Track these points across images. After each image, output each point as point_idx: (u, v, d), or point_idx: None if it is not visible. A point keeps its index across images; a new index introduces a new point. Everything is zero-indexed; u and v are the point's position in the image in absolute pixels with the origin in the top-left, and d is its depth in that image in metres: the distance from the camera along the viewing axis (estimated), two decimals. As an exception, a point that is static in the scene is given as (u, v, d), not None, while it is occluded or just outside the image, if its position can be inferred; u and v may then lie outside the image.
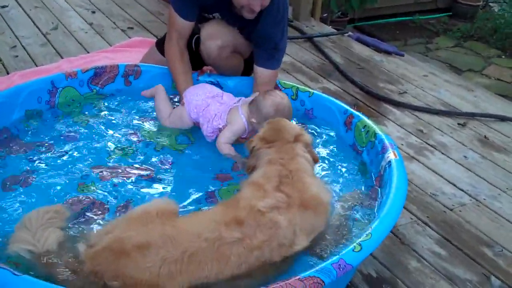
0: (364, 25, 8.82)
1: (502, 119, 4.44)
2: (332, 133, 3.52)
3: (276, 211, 2.43)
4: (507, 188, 3.58)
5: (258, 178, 2.64)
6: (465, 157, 3.88)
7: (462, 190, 3.53)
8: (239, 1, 3.37)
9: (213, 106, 3.40)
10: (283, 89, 3.76)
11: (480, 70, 7.80)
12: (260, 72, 3.63)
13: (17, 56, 4.79)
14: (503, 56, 8.18)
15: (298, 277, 2.14)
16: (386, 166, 2.93)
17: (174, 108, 3.58)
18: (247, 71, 3.87)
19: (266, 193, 2.52)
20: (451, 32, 9.03)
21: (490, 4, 10.21)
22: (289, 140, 2.85)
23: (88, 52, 4.95)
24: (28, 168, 3.04)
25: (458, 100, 4.74)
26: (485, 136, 4.17)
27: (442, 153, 3.91)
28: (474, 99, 4.84)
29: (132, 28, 5.57)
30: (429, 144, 4.00)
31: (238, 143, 3.38)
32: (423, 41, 8.79)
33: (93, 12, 5.88)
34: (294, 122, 3.40)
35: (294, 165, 2.69)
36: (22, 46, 5.00)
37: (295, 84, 3.81)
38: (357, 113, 3.46)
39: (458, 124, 4.31)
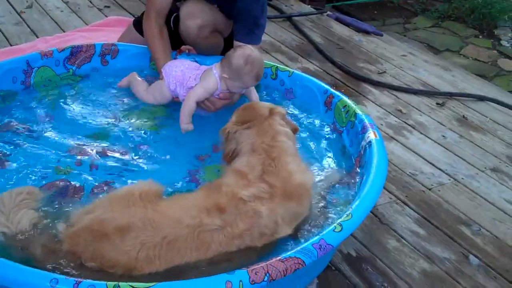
0: (342, 5, 8.77)
1: (480, 98, 4.47)
2: (312, 113, 3.50)
3: (259, 201, 2.41)
4: (485, 168, 3.61)
5: (242, 166, 2.60)
6: (443, 136, 3.90)
7: (441, 170, 3.55)
8: None
9: (190, 74, 3.38)
10: (262, 68, 3.73)
11: (457, 50, 7.80)
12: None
13: (-10, 35, 4.71)
14: (480, 36, 8.20)
15: (279, 257, 2.13)
16: (366, 146, 2.92)
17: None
18: (227, 50, 3.82)
19: (249, 182, 2.49)
20: (429, 12, 9.02)
21: (468, -16, 10.23)
22: (264, 115, 2.81)
23: (64, 31, 4.87)
24: (4, 150, 2.98)
25: (436, 80, 4.76)
26: (463, 116, 4.19)
27: (421, 133, 3.93)
28: (452, 78, 4.86)
29: (108, 6, 5.49)
30: (408, 124, 4.01)
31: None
32: (401, 21, 8.77)
33: (69, -10, 5.77)
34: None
35: (276, 149, 2.64)
36: (-4, 25, 4.90)
37: (274, 64, 3.78)
38: (337, 93, 3.44)
39: (437, 104, 4.33)
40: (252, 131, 2.77)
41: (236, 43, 3.61)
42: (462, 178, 3.49)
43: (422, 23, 8.70)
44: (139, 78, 3.58)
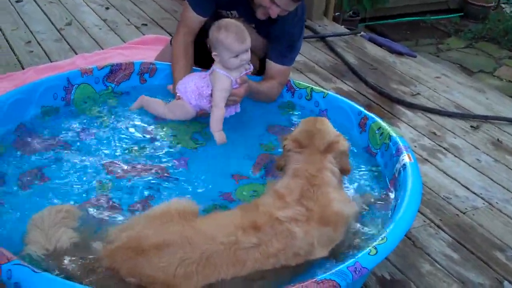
0: (375, 24, 8.81)
1: (516, 122, 4.44)
2: (346, 135, 3.51)
3: (294, 222, 2.44)
4: (520, 192, 3.59)
5: (281, 188, 2.64)
6: (478, 160, 3.89)
7: (475, 194, 3.54)
8: (261, 0, 3.39)
9: (202, 83, 3.44)
10: (297, 89, 3.78)
11: (491, 72, 7.79)
12: (271, 66, 3.68)
13: (32, 52, 4.82)
14: (514, 58, 8.18)
15: (314, 279, 2.16)
16: (401, 169, 2.94)
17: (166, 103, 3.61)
18: (262, 71, 3.88)
19: (286, 204, 2.53)
20: (462, 32, 9.01)
21: (502, 5, 10.18)
22: (319, 148, 2.80)
23: (102, 49, 4.98)
24: (43, 165, 3.05)
25: (471, 102, 4.74)
26: (498, 139, 4.17)
27: (455, 156, 3.92)
28: (487, 101, 4.84)
29: (146, 25, 5.59)
30: (442, 147, 4.01)
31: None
32: (434, 41, 8.77)
33: (107, 8, 5.90)
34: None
35: (318, 179, 2.66)
36: (37, 41, 5.03)
37: (309, 85, 3.82)
38: (371, 114, 3.46)
39: (471, 126, 4.32)
40: (301, 157, 2.80)
41: (268, 62, 3.66)
42: (497, 202, 3.47)
43: (455, 44, 8.70)
44: (151, 98, 3.62)
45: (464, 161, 3.86)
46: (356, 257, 2.30)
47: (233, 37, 3.22)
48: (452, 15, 9.50)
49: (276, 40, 3.65)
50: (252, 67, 3.43)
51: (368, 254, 2.33)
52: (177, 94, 3.50)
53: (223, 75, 3.31)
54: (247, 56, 3.31)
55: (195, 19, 3.62)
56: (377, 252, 2.34)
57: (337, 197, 2.63)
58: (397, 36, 8.56)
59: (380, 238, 2.42)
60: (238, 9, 3.67)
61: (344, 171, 2.85)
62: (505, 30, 8.80)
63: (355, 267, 2.24)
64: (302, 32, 3.75)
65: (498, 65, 7.98)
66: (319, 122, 2.98)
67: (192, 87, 3.44)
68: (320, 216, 2.49)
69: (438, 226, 3.22)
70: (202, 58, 3.75)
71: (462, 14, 9.51)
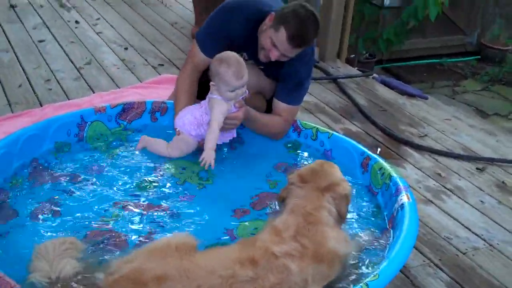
0: (392, 66, 8.92)
1: (522, 165, 4.48)
2: (349, 174, 3.59)
3: (289, 258, 2.52)
4: (522, 234, 3.62)
5: (279, 224, 2.72)
6: (481, 201, 3.93)
7: (477, 235, 3.57)
8: (263, 42, 3.53)
9: (199, 113, 3.56)
10: (303, 129, 3.88)
11: (506, 115, 7.83)
12: (279, 106, 3.78)
13: (51, 89, 4.99)
14: (531, 101, 8.21)
15: (305, 314, 2.23)
16: (399, 208, 3.01)
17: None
18: (269, 111, 3.99)
19: (282, 239, 2.61)
20: (479, 75, 9.08)
21: (520, 48, 10.25)
22: (320, 186, 2.88)
23: (119, 87, 5.13)
24: (54, 198, 3.18)
25: (478, 145, 4.79)
26: (503, 181, 4.21)
27: (459, 197, 3.96)
28: (496, 144, 4.88)
29: (162, 65, 5.75)
30: (446, 188, 4.05)
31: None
32: (450, 83, 8.85)
33: (126, 49, 6.09)
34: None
35: (314, 217, 2.73)
36: (56, 79, 5.20)
37: (315, 125, 3.92)
38: (373, 155, 3.54)
39: (477, 168, 4.36)
40: (301, 192, 2.88)
41: (274, 101, 3.77)
42: (498, 244, 3.50)
43: (471, 86, 8.77)
44: (152, 138, 3.72)
45: (467, 203, 3.90)
46: (348, 293, 2.37)
47: (232, 73, 3.35)
48: (469, 58, 9.59)
49: (284, 80, 3.76)
50: (247, 92, 3.53)
51: (360, 290, 2.39)
52: (177, 130, 3.61)
53: (221, 100, 3.44)
54: (243, 90, 3.46)
55: (203, 60, 3.75)
56: (368, 288, 2.40)
57: (332, 235, 2.69)
58: (414, 78, 8.66)
59: (372, 275, 2.48)
60: (248, 52, 3.80)
61: (340, 216, 2.88)
62: (522, 73, 8.86)
63: (346, 303, 2.31)
64: (311, 72, 3.86)
65: (514, 109, 8.03)
66: (327, 164, 3.07)
67: (190, 119, 3.56)
68: (314, 254, 2.56)
69: (437, 266, 3.26)
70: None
71: (479, 57, 9.59)
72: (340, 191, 2.90)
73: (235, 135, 3.68)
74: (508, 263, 3.36)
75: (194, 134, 3.58)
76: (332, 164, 3.09)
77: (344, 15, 6.20)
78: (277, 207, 3.18)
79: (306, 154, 3.84)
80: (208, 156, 3.41)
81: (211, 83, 3.46)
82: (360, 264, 2.82)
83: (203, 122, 3.53)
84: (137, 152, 3.68)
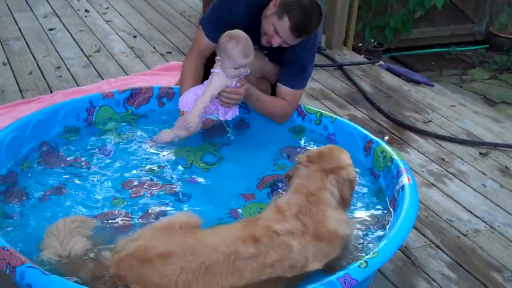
0: (400, 55, 8.95)
1: (525, 150, 4.52)
2: (352, 158, 3.65)
3: (291, 236, 2.57)
4: (523, 217, 3.67)
5: (281, 203, 2.77)
6: (483, 185, 3.98)
7: (478, 217, 3.63)
8: (266, 28, 3.59)
9: (201, 91, 3.61)
10: (307, 113, 3.94)
11: (514, 103, 7.85)
12: (283, 90, 3.83)
13: (60, 76, 5.08)
14: (538, 89, 8.22)
15: (305, 289, 2.30)
16: (400, 190, 3.07)
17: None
18: (274, 95, 4.04)
19: (285, 218, 2.66)
20: (487, 64, 9.10)
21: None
22: (324, 168, 2.90)
23: (127, 75, 5.21)
24: (64, 180, 3.26)
25: (483, 131, 4.83)
26: (506, 166, 4.26)
27: (461, 181, 4.01)
28: (500, 130, 4.92)
29: (170, 52, 5.83)
30: (449, 172, 4.11)
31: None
32: (459, 72, 8.88)
33: (135, 37, 6.17)
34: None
35: (316, 197, 2.77)
36: (66, 67, 5.30)
37: (319, 110, 3.98)
38: (376, 138, 3.60)
39: (480, 153, 4.41)
40: (306, 172, 2.92)
41: (278, 85, 3.83)
42: (499, 226, 3.56)
43: (479, 75, 8.78)
44: (157, 135, 3.78)
45: (469, 186, 3.95)
46: (347, 269, 2.44)
47: (239, 50, 3.42)
48: (477, 47, 9.60)
49: (287, 64, 3.81)
50: (248, 71, 3.57)
51: (359, 266, 2.46)
52: (181, 110, 3.68)
53: (222, 75, 3.50)
54: (246, 69, 3.52)
55: (208, 45, 3.80)
56: (367, 265, 2.47)
57: (333, 216, 2.73)
58: (422, 67, 8.69)
59: (371, 253, 2.55)
60: (251, 37, 3.85)
61: (342, 199, 2.88)
62: (530, 62, 8.87)
63: (345, 278, 2.37)
64: (314, 57, 3.91)
65: (521, 97, 8.04)
66: (336, 148, 3.08)
67: (193, 97, 3.61)
68: (315, 232, 2.62)
69: (438, 247, 3.32)
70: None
71: (487, 46, 9.59)
72: (344, 175, 2.90)
73: (237, 113, 3.72)
74: (508, 244, 3.41)
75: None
76: (341, 149, 3.09)
77: (350, 3, 6.24)
78: (283, 185, 3.25)
79: (310, 138, 3.89)
80: (192, 119, 3.50)
81: (217, 57, 3.52)
82: (362, 244, 2.89)
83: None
84: (144, 136, 3.75)
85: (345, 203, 2.90)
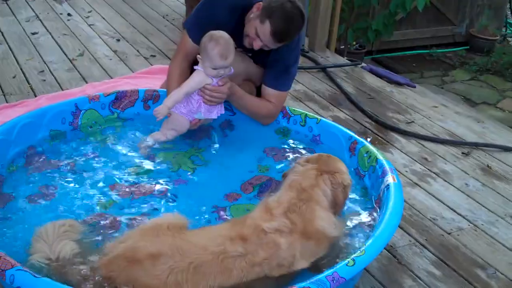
0: (381, 57, 9.03)
1: (506, 149, 4.58)
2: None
3: (279, 234, 2.61)
4: (505, 215, 3.72)
5: (271, 202, 2.80)
6: (466, 184, 4.04)
7: (461, 216, 3.68)
8: (248, 30, 3.63)
9: None
10: (292, 115, 3.97)
11: (494, 103, 7.96)
12: (267, 91, 3.86)
13: (44, 80, 5.07)
14: (518, 90, 8.34)
15: (294, 287, 2.32)
16: (385, 189, 3.11)
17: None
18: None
19: (273, 216, 2.69)
20: (467, 65, 9.20)
21: (508, 38, 10.39)
22: (320, 169, 2.94)
23: (111, 78, 5.21)
24: (50, 183, 3.27)
25: (464, 131, 4.90)
26: (487, 165, 4.32)
27: (445, 180, 4.07)
28: (481, 130, 4.99)
29: (154, 56, 5.83)
30: (432, 172, 4.16)
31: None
32: (440, 73, 8.97)
33: (118, 40, 6.17)
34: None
35: (308, 194, 2.80)
36: (50, 71, 5.28)
37: (303, 111, 4.02)
38: (360, 139, 3.65)
39: (462, 153, 4.47)
40: (302, 169, 2.96)
41: (263, 87, 3.86)
42: (482, 224, 3.61)
43: (460, 76, 8.89)
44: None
45: (452, 185, 4.01)
46: (334, 267, 2.47)
47: (217, 51, 3.44)
48: (458, 48, 9.71)
49: (271, 66, 3.84)
50: (232, 70, 3.60)
51: (346, 265, 2.50)
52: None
53: (202, 72, 3.54)
54: (227, 70, 3.54)
55: (192, 47, 3.81)
56: (354, 263, 2.51)
57: (322, 215, 2.77)
58: (403, 68, 8.78)
59: (358, 251, 2.59)
60: (235, 40, 3.88)
61: (335, 203, 2.91)
62: (509, 63, 8.99)
63: (333, 277, 2.41)
64: (297, 58, 3.95)
65: (501, 97, 8.17)
66: (335, 158, 3.13)
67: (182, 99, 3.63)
68: (303, 230, 2.65)
69: (423, 245, 3.37)
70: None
71: (467, 47, 9.71)
72: (339, 178, 2.94)
73: (223, 112, 3.73)
74: (491, 242, 3.47)
75: (185, 111, 3.65)
76: (339, 160, 3.13)
77: (333, 5, 6.29)
78: (270, 186, 3.32)
79: (295, 139, 3.93)
80: (161, 109, 3.54)
81: (198, 55, 3.56)
82: (349, 242, 2.93)
83: (192, 97, 3.62)
84: (130, 139, 3.77)
85: (337, 207, 2.93)
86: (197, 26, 3.83)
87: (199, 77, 3.56)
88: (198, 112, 3.64)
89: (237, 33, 3.75)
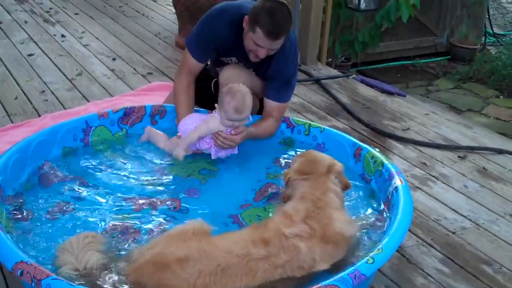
0: (366, 69, 9.20)
1: (499, 152, 4.76)
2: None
3: (299, 238, 2.73)
4: (504, 213, 3.88)
5: (289, 209, 2.93)
6: (465, 186, 4.20)
7: (463, 216, 3.83)
8: (248, 44, 3.74)
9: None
10: (296, 125, 4.11)
11: (479, 110, 8.14)
12: (269, 104, 3.96)
13: (46, 100, 5.16)
14: (501, 97, 8.55)
15: (319, 285, 2.44)
16: (393, 191, 3.25)
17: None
18: (262, 110, 4.17)
19: (293, 222, 2.82)
20: (450, 74, 9.40)
21: (488, 47, 10.63)
22: (322, 172, 3.11)
23: (112, 96, 5.31)
24: (66, 199, 3.34)
25: (458, 136, 5.07)
26: (483, 168, 4.48)
27: (444, 183, 4.22)
28: (474, 135, 5.16)
29: (151, 73, 5.95)
30: (431, 175, 4.31)
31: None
32: (424, 83, 9.15)
33: (114, 59, 6.28)
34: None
35: (323, 202, 2.94)
36: (50, 91, 5.37)
37: (307, 121, 4.15)
38: (365, 145, 3.79)
39: (458, 157, 4.64)
40: (307, 183, 3.08)
41: (265, 100, 3.98)
42: (483, 223, 3.76)
43: (444, 85, 9.07)
44: (157, 131, 4.00)
45: (452, 188, 4.16)
46: (356, 265, 2.60)
47: (232, 106, 3.59)
48: (440, 58, 9.90)
49: (272, 79, 3.96)
50: (251, 119, 3.76)
51: (366, 262, 2.62)
52: (178, 133, 3.82)
53: (216, 118, 3.69)
54: (243, 123, 3.71)
55: (194, 64, 3.95)
56: (374, 261, 2.63)
57: (339, 217, 2.90)
58: (388, 79, 8.89)
59: (376, 249, 2.71)
60: (237, 56, 4.00)
61: (345, 187, 3.20)
62: (491, 71, 9.18)
63: (355, 274, 2.53)
64: (296, 70, 4.07)
65: (485, 104, 8.35)
66: (311, 152, 3.37)
67: (191, 127, 3.78)
68: (322, 235, 2.78)
69: (430, 245, 3.51)
70: (206, 101, 4.10)
71: (449, 57, 9.91)
72: (337, 168, 3.18)
73: (236, 152, 3.85)
74: (494, 239, 3.62)
75: (196, 147, 3.82)
76: (313, 151, 3.41)
77: (322, 19, 6.46)
78: (278, 198, 3.41)
79: (300, 149, 4.04)
80: (177, 152, 3.77)
81: (216, 104, 3.71)
82: (363, 243, 3.05)
83: (204, 139, 3.77)
84: (141, 153, 3.87)
85: (347, 187, 3.25)
86: (198, 43, 3.95)
87: (214, 124, 3.70)
88: (207, 150, 3.80)
89: (238, 48, 3.87)
